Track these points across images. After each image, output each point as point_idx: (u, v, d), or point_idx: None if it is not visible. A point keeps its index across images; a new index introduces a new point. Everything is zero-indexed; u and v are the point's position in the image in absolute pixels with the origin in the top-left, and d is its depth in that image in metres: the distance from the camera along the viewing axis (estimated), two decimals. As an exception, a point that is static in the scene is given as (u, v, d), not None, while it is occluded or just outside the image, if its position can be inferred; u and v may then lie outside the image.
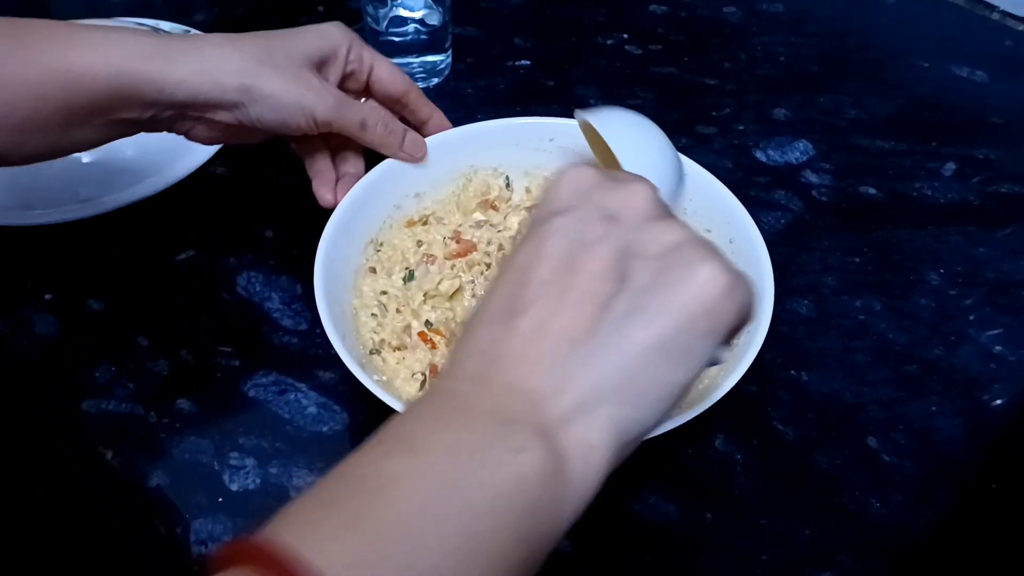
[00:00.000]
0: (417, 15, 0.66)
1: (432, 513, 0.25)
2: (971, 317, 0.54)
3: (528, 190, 0.57)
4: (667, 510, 0.45)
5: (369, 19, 0.66)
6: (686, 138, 0.57)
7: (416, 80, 0.67)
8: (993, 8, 0.77)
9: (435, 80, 0.70)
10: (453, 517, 0.25)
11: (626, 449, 0.30)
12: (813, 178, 0.63)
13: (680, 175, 0.48)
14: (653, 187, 0.32)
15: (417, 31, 0.67)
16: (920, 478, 0.46)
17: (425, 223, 0.55)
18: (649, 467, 0.47)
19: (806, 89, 0.70)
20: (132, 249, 0.58)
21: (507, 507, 0.26)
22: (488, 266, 0.53)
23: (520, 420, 0.27)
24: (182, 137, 0.63)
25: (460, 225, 0.55)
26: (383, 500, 0.25)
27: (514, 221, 0.55)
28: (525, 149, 0.56)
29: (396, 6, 0.65)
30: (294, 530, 0.25)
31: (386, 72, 0.54)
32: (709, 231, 0.52)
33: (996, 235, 0.59)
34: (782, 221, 0.60)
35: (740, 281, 0.30)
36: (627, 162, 0.45)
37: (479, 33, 0.75)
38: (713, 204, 0.52)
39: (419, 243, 0.54)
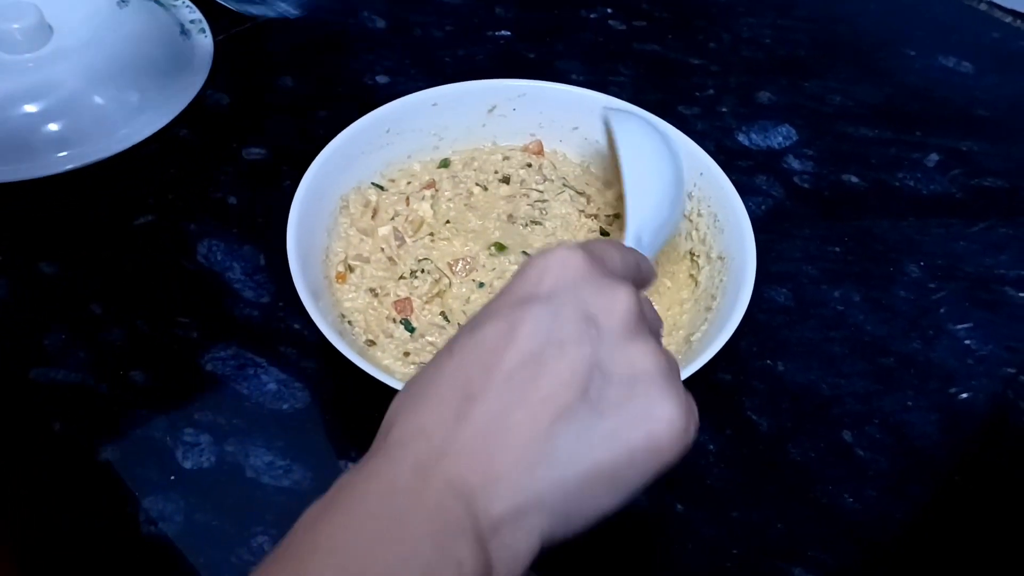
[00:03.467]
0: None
1: None
2: (949, 312, 0.53)
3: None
4: (637, 499, 0.44)
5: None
6: (668, 118, 0.56)
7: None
8: (981, -1, 0.76)
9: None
10: None
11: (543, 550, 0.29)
12: (796, 164, 0.62)
13: (680, 203, 0.47)
14: (636, 295, 0.30)
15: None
16: (894, 472, 0.46)
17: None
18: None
19: (792, 73, 0.69)
20: (88, 211, 0.55)
21: None
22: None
23: (459, 527, 0.26)
24: (145, 95, 0.61)
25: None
26: (314, 564, 0.25)
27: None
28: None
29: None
30: None
31: None
32: (702, 210, 0.51)
33: (977, 229, 0.58)
34: (763, 207, 0.59)
35: (692, 427, 0.29)
36: (630, 182, 0.44)
37: (459, 0, 0.73)
38: (704, 180, 0.51)
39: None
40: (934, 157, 0.63)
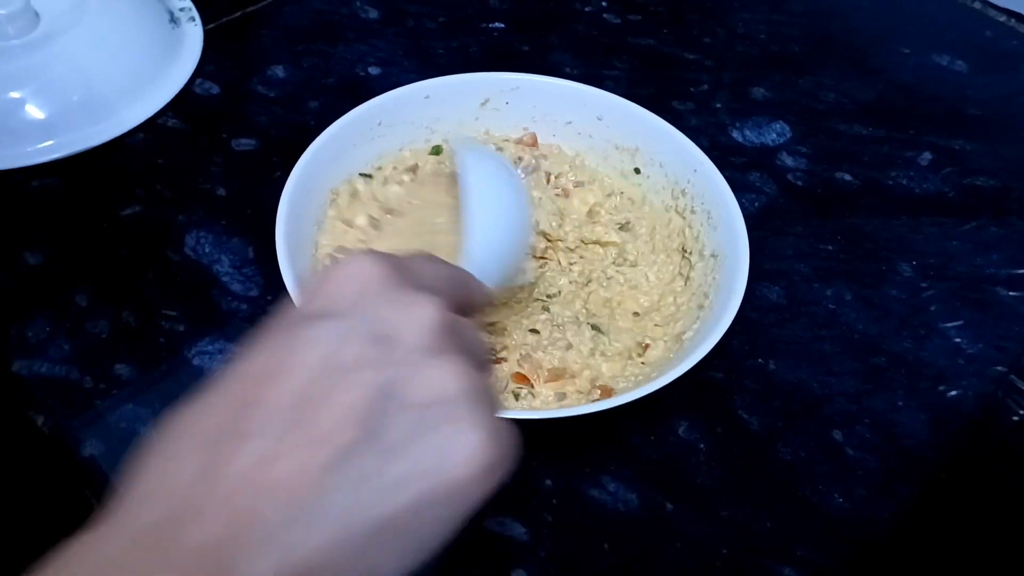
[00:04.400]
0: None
1: None
2: (941, 311, 0.53)
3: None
4: (627, 498, 0.44)
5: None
6: (662, 113, 0.55)
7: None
8: (975, -3, 0.76)
9: None
10: None
11: None
12: (789, 161, 0.61)
13: (525, 237, 0.45)
14: (443, 311, 0.26)
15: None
16: (883, 472, 0.46)
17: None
18: (609, 453, 0.45)
19: (786, 69, 0.68)
20: (75, 201, 0.55)
21: None
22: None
23: None
24: (133, 84, 0.60)
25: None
26: None
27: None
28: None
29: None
30: None
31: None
32: (696, 207, 0.51)
33: (969, 228, 0.58)
34: (756, 204, 0.58)
35: (502, 462, 0.25)
36: (472, 205, 0.42)
37: (452, -8, 0.72)
38: (697, 177, 0.51)
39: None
40: (927, 155, 0.62)
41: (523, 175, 0.54)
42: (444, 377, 0.25)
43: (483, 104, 0.54)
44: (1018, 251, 0.57)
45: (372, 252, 0.27)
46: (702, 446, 0.46)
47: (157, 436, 0.24)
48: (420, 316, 0.26)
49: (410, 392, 0.24)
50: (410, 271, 0.28)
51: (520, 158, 0.54)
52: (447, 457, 0.24)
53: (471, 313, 0.33)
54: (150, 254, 0.52)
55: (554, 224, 0.52)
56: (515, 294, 0.49)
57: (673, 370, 0.40)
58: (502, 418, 0.26)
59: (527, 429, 0.45)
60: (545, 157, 0.55)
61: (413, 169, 0.53)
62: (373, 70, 0.65)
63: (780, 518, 0.44)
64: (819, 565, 0.42)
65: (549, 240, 0.52)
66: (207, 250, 0.52)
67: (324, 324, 0.25)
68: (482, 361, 0.29)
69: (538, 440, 0.45)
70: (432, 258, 0.31)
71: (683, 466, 0.45)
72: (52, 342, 0.47)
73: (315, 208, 0.49)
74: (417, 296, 0.26)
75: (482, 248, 0.41)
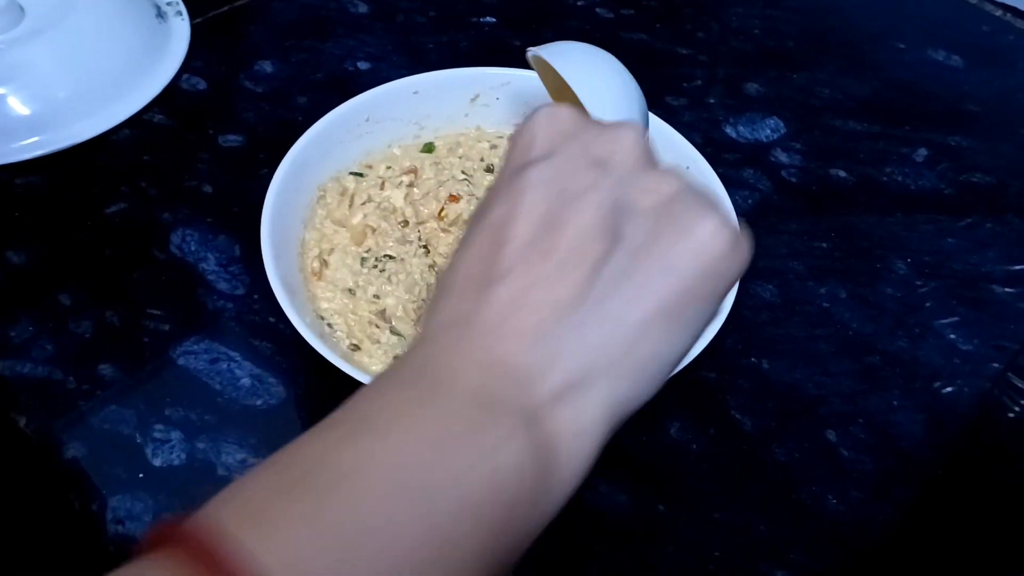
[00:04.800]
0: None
1: (398, 512, 0.21)
2: (936, 309, 0.53)
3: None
4: (618, 500, 0.43)
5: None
6: (655, 109, 0.55)
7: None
8: (971, -8, 0.76)
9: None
10: (423, 518, 0.22)
11: (616, 428, 0.26)
12: (783, 158, 0.61)
13: (645, 112, 0.45)
14: (642, 131, 0.29)
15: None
16: (878, 474, 0.45)
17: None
18: (601, 454, 0.45)
19: (780, 65, 0.68)
20: (58, 199, 0.54)
21: (485, 506, 0.22)
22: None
23: (502, 404, 0.24)
24: (118, 79, 0.59)
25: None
26: (342, 492, 0.21)
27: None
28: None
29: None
30: (237, 518, 0.21)
31: None
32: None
33: (964, 225, 0.57)
34: (749, 201, 0.58)
35: (742, 236, 0.27)
36: (590, 101, 0.41)
37: (444, -14, 0.71)
38: (690, 174, 0.49)
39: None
40: (922, 152, 0.62)
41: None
42: (664, 182, 0.27)
43: (473, 100, 0.54)
44: (1014, 248, 0.56)
45: (560, 105, 0.29)
46: (695, 447, 0.45)
47: (430, 302, 0.28)
48: (625, 138, 0.28)
49: (639, 201, 0.26)
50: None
51: None
52: (692, 240, 0.26)
53: None
54: (135, 252, 0.51)
55: None
56: None
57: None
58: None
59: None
60: None
61: (413, 171, 0.52)
62: (362, 65, 0.64)
63: (774, 520, 0.43)
64: (813, 569, 0.41)
65: None
66: (193, 248, 0.52)
67: (543, 163, 0.27)
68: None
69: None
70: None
71: (676, 467, 0.45)
72: (35, 342, 0.47)
73: (302, 206, 0.48)
74: (615, 127, 0.28)
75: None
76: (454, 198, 0.49)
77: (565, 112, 0.29)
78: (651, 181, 0.27)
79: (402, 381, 0.25)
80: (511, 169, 0.28)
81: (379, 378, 0.26)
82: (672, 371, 0.27)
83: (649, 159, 0.28)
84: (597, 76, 0.43)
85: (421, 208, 0.49)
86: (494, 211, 0.27)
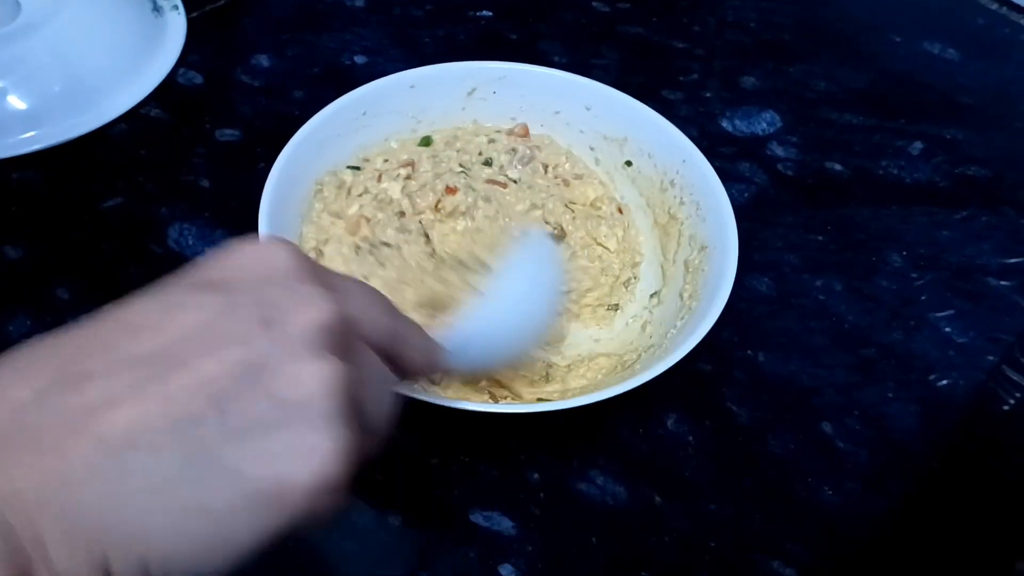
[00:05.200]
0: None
1: None
2: (931, 302, 0.53)
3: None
4: (614, 491, 0.43)
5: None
6: (651, 103, 0.55)
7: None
8: (967, -16, 0.76)
9: None
10: None
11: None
12: (779, 151, 0.61)
13: (521, 354, 0.44)
14: (342, 316, 0.25)
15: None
16: (873, 466, 0.45)
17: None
18: (597, 447, 0.45)
19: (776, 58, 0.68)
20: (56, 193, 0.54)
21: None
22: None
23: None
24: (115, 74, 0.59)
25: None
26: None
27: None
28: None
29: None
30: None
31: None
32: (684, 199, 0.50)
33: (960, 217, 0.58)
34: (745, 194, 0.58)
35: (343, 484, 0.23)
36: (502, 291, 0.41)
37: (440, -20, 0.71)
38: (687, 168, 0.50)
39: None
40: (918, 145, 0.62)
41: (519, 166, 0.53)
42: (314, 379, 0.23)
43: (470, 94, 0.54)
44: (1009, 241, 0.56)
45: (292, 245, 0.26)
46: (691, 439, 0.45)
47: (25, 348, 0.23)
48: (314, 311, 0.24)
49: (273, 383, 0.23)
50: (329, 280, 0.26)
51: (514, 149, 0.54)
52: (287, 460, 0.22)
53: (402, 372, 0.30)
54: (132, 247, 0.51)
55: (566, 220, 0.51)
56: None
57: (661, 363, 0.40)
58: (357, 441, 0.24)
59: (513, 422, 0.44)
60: (539, 148, 0.54)
61: (410, 165, 0.52)
62: (359, 59, 0.64)
63: (769, 512, 0.43)
64: (808, 559, 0.42)
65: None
66: (190, 243, 0.52)
67: (214, 294, 0.24)
68: (378, 415, 0.27)
69: (525, 433, 0.45)
70: (374, 293, 0.29)
71: (671, 459, 0.45)
72: (32, 336, 0.47)
73: (299, 200, 0.48)
74: (321, 293, 0.25)
75: (481, 333, 0.38)
76: (451, 190, 0.50)
77: (290, 262, 0.25)
78: (301, 369, 0.23)
79: None
80: (194, 278, 0.25)
81: None
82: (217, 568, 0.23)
83: (323, 345, 0.24)
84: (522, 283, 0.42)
85: (418, 200, 0.49)
86: (129, 311, 0.24)
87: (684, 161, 0.50)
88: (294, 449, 0.22)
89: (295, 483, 0.22)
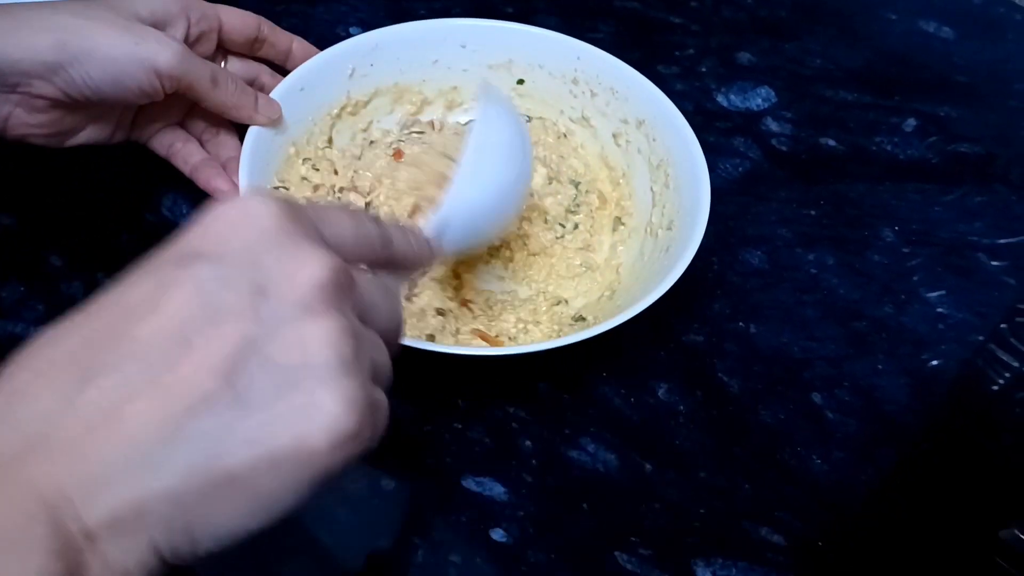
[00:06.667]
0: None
1: None
2: (922, 276, 0.53)
3: None
4: (605, 459, 0.44)
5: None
6: (647, 78, 0.55)
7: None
8: (964, -36, 0.76)
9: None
10: None
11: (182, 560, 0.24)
12: (774, 126, 0.61)
13: (516, 205, 0.45)
14: (337, 268, 0.25)
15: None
16: (862, 437, 0.46)
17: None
18: (589, 415, 0.45)
19: (772, 34, 0.68)
20: (48, 161, 0.53)
21: None
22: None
23: (37, 537, 0.21)
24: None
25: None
26: None
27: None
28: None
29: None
30: None
31: (235, 17, 0.50)
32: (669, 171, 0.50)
33: (953, 195, 0.58)
34: (739, 169, 0.58)
35: (366, 432, 0.24)
36: (468, 164, 0.41)
37: (436, -47, 0.71)
38: (669, 136, 0.50)
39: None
40: (912, 122, 0.62)
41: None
42: (316, 340, 0.24)
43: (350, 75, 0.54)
44: (1001, 219, 0.57)
45: (275, 197, 0.26)
46: (682, 408, 0.46)
47: (11, 363, 0.23)
48: (306, 271, 0.24)
49: (276, 349, 0.23)
50: (314, 222, 0.27)
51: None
52: (301, 421, 0.23)
53: (404, 272, 0.33)
54: (126, 215, 0.51)
55: (552, 165, 0.53)
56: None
57: (629, 310, 0.40)
58: (367, 391, 0.25)
59: (505, 382, 0.45)
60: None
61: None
62: (354, 30, 0.64)
63: (759, 481, 0.44)
64: (797, 527, 0.42)
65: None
66: (184, 211, 0.52)
67: (204, 266, 0.24)
68: (387, 327, 0.28)
69: (517, 400, 0.45)
70: (353, 213, 0.30)
71: (663, 428, 0.45)
72: (26, 303, 0.47)
73: (277, 160, 0.49)
74: (311, 249, 0.25)
75: (459, 211, 0.40)
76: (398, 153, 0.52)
77: (267, 213, 0.25)
78: (304, 335, 0.24)
79: None
80: (179, 252, 0.25)
81: None
82: (242, 538, 0.24)
83: (323, 303, 0.24)
84: (490, 166, 0.42)
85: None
86: (132, 289, 0.24)
87: (579, 58, 0.53)
88: (306, 409, 0.23)
89: (314, 440, 0.23)
